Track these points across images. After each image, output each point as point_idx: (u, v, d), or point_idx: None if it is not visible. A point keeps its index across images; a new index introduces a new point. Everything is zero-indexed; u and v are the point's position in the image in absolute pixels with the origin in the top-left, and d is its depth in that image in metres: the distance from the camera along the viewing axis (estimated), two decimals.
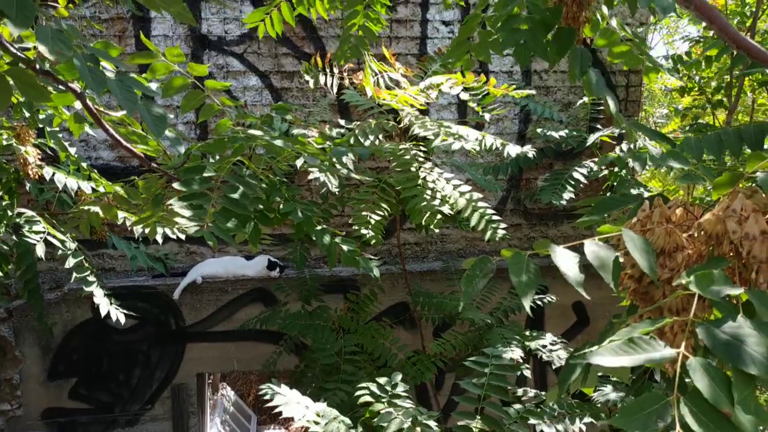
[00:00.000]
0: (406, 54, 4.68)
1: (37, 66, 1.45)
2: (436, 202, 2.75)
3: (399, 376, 2.49)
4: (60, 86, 1.51)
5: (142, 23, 4.41)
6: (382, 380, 2.46)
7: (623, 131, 4.25)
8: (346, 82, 3.17)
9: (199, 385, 4.54)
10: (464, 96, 2.95)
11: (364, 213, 2.76)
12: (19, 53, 1.44)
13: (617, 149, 3.95)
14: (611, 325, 1.20)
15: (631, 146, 3.70)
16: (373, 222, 2.72)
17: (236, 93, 4.56)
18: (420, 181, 2.79)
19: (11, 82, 1.33)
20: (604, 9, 1.54)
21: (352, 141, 2.77)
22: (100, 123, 1.68)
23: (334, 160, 2.30)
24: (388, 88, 3.04)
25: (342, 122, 2.94)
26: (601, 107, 4.73)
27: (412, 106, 2.96)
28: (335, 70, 3.15)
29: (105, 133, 1.81)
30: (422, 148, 2.99)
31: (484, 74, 3.24)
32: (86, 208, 2.62)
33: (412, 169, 2.84)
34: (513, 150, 3.24)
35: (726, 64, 4.79)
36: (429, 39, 4.73)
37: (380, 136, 2.90)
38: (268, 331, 4.21)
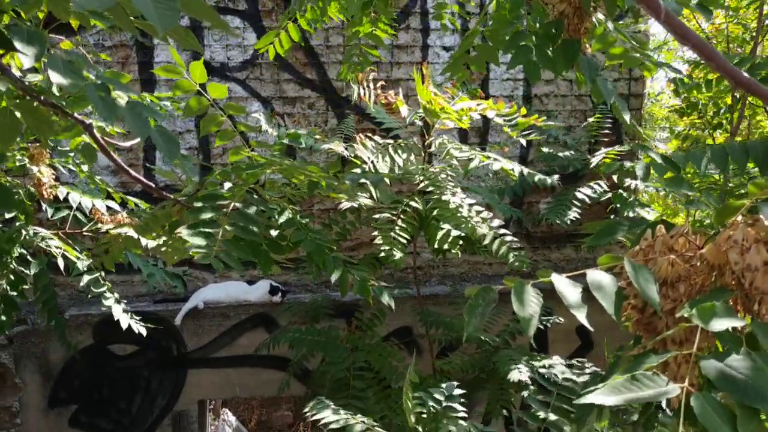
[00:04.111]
0: (408, 79, 4.72)
1: (43, 98, 1.47)
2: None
3: (455, 386, 2.44)
4: (67, 118, 1.53)
5: (145, 50, 4.46)
6: (436, 392, 2.43)
7: (632, 148, 4.27)
8: (381, 99, 3.23)
9: (201, 412, 4.50)
10: (498, 120, 2.98)
11: (391, 234, 2.74)
12: (27, 85, 1.45)
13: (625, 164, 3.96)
14: (618, 358, 1.20)
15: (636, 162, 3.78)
16: (399, 244, 2.72)
17: (238, 118, 4.59)
18: (454, 208, 2.80)
19: (18, 116, 1.34)
20: (600, 15, 1.56)
21: (386, 158, 2.80)
22: (107, 153, 1.69)
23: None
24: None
25: (377, 138, 2.96)
26: (605, 129, 4.75)
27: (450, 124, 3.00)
28: (371, 86, 3.20)
29: (109, 160, 1.82)
30: (450, 172, 3.01)
31: (484, 98, 3.26)
32: (115, 233, 2.56)
33: (438, 192, 2.85)
34: (546, 179, 3.35)
35: (725, 86, 4.81)
36: (430, 64, 4.78)
37: (411, 156, 2.93)
38: (270, 356, 4.18)
